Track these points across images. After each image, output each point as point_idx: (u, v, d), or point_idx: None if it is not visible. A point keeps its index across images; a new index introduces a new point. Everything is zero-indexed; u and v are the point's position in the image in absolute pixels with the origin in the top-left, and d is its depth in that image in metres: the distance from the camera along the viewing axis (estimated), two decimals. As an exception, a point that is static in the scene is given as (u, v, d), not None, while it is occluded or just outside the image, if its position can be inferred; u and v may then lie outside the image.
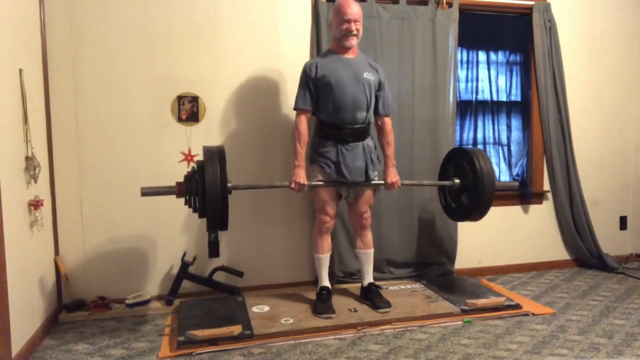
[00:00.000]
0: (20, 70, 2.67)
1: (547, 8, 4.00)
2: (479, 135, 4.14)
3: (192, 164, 3.40)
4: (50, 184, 3.15)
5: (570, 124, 4.10)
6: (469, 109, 4.11)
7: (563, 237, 4.24)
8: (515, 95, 4.21)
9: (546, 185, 4.18)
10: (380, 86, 3.13)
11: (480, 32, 4.06)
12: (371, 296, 3.18)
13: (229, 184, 2.67)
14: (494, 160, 4.17)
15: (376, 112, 3.15)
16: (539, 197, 4.17)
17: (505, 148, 4.21)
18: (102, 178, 3.30)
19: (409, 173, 3.71)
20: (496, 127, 4.17)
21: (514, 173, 4.24)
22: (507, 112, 4.20)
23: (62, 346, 2.73)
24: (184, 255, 3.33)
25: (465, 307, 3.10)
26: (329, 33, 3.52)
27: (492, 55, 4.13)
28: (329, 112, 3.02)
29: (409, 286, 3.58)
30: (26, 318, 2.64)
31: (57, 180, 3.21)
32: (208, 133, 3.45)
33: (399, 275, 3.81)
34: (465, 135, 4.11)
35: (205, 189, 2.57)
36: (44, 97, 3.11)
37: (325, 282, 3.20)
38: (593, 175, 4.26)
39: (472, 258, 4.02)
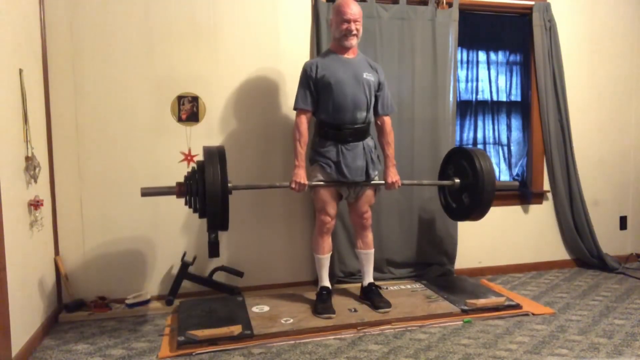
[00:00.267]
0: (20, 70, 2.67)
1: (547, 8, 4.00)
2: (479, 135, 4.14)
3: (193, 165, 3.41)
4: (50, 184, 3.15)
5: (570, 124, 4.10)
6: (469, 109, 4.11)
7: (563, 237, 4.24)
8: (515, 95, 4.21)
9: (546, 185, 4.18)
10: (380, 86, 3.12)
11: (480, 32, 4.06)
12: (371, 296, 3.18)
13: (229, 184, 2.66)
14: (494, 160, 4.18)
15: (376, 112, 3.15)
16: (539, 197, 4.17)
17: (505, 148, 4.21)
18: (102, 178, 3.30)
19: (409, 173, 3.71)
20: (496, 127, 4.18)
21: (514, 173, 4.24)
22: (507, 112, 4.20)
23: (62, 346, 2.73)
24: (184, 255, 3.33)
25: (465, 307, 3.10)
26: (329, 33, 3.51)
27: (492, 55, 4.14)
28: (329, 113, 3.02)
29: (409, 286, 3.58)
30: (26, 318, 2.64)
31: (57, 180, 3.21)
32: (208, 133, 3.45)
33: (399, 275, 3.81)
34: (465, 135, 4.11)
35: (206, 189, 2.57)
36: (44, 97, 3.11)
37: (326, 282, 3.20)
38: (593, 175, 4.26)
39: (472, 258, 4.03)
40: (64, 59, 3.20)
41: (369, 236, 3.23)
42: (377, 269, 3.53)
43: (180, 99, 3.40)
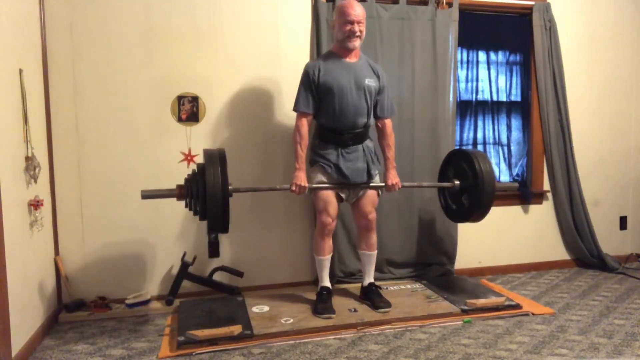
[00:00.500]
0: (20, 70, 2.67)
1: (547, 8, 4.00)
2: (479, 135, 4.14)
3: (193, 165, 3.41)
4: (50, 184, 3.15)
5: (570, 124, 4.10)
6: (469, 109, 4.11)
7: (563, 237, 4.24)
8: (515, 95, 4.21)
9: (546, 185, 4.18)
10: (381, 89, 3.12)
11: (480, 32, 4.06)
12: (371, 296, 3.18)
13: (229, 187, 2.66)
14: (493, 161, 4.18)
15: (377, 115, 3.14)
16: (539, 197, 4.17)
17: (505, 148, 4.21)
18: (102, 178, 3.30)
19: (409, 173, 3.71)
20: (496, 127, 4.18)
21: (514, 173, 4.24)
22: (507, 112, 4.20)
23: (62, 346, 2.73)
24: (184, 255, 3.33)
25: (465, 307, 3.10)
26: (329, 33, 3.52)
27: (492, 55, 4.13)
28: (330, 118, 3.03)
29: (409, 286, 3.58)
30: (26, 318, 2.64)
31: (57, 180, 3.21)
32: (208, 133, 3.45)
33: (399, 275, 3.81)
34: (465, 135, 4.11)
35: (206, 192, 2.57)
36: (44, 97, 3.11)
37: (326, 282, 3.20)
38: (593, 175, 4.26)
39: (472, 258, 4.03)
40: (64, 59, 3.20)
41: (373, 238, 3.22)
42: (377, 269, 3.52)
43: (180, 99, 3.40)
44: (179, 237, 3.45)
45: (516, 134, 4.23)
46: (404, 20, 3.69)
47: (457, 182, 3.21)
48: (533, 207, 4.17)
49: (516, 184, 3.64)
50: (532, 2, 4.00)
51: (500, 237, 4.09)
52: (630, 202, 4.42)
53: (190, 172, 3.39)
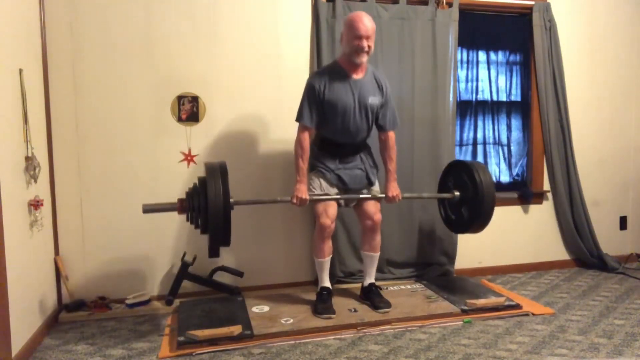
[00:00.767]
0: (20, 70, 2.67)
1: (547, 8, 4.00)
2: (479, 135, 4.14)
3: (193, 165, 3.41)
4: (50, 184, 3.15)
5: (570, 124, 4.10)
6: (469, 109, 4.10)
7: (563, 237, 4.24)
8: (515, 95, 4.21)
9: (546, 185, 4.18)
10: (384, 103, 3.08)
11: (480, 32, 4.06)
12: (371, 296, 3.18)
13: (231, 200, 2.67)
14: (493, 161, 4.18)
15: (380, 127, 3.13)
16: (539, 197, 4.17)
17: (505, 148, 4.21)
18: (102, 178, 3.30)
19: (408, 174, 3.71)
20: (496, 127, 4.18)
21: (514, 173, 4.24)
22: (507, 112, 4.20)
23: (62, 346, 2.73)
24: (184, 255, 3.33)
25: (465, 307, 3.10)
26: (329, 33, 3.52)
27: (492, 55, 4.13)
28: (331, 132, 3.05)
29: (409, 286, 3.58)
30: (26, 318, 2.64)
31: (57, 180, 3.21)
32: (208, 133, 3.45)
33: (398, 275, 3.81)
34: (465, 135, 4.11)
35: (208, 205, 2.58)
36: (44, 97, 3.11)
37: (326, 282, 3.20)
38: (593, 175, 4.26)
39: (472, 258, 4.03)
40: (64, 59, 3.20)
41: (377, 239, 3.21)
42: (377, 269, 3.52)
43: (180, 99, 3.40)
44: (179, 237, 3.45)
45: (516, 134, 4.23)
46: (404, 20, 3.69)
47: (457, 193, 3.24)
48: (533, 207, 4.17)
49: (515, 195, 3.64)
50: (532, 2, 4.00)
51: (500, 237, 4.09)
52: (630, 202, 4.42)
53: (189, 170, 3.43)
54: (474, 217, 3.15)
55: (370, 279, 3.26)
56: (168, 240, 3.43)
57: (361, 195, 3.12)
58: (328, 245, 3.14)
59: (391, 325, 2.92)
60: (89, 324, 3.06)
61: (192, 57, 3.41)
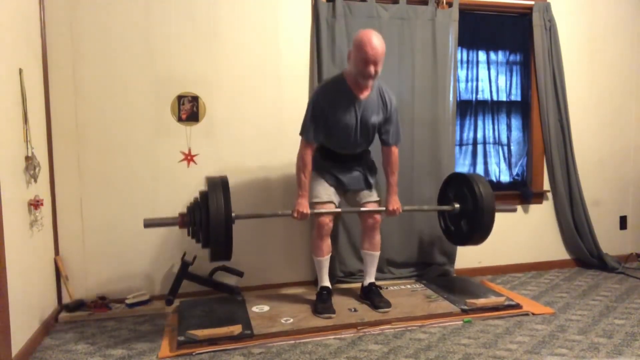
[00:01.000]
0: (20, 70, 2.67)
1: (547, 8, 4.00)
2: (479, 135, 4.13)
3: (193, 165, 3.41)
4: (50, 184, 3.15)
5: (570, 123, 4.10)
6: (469, 108, 4.10)
7: (563, 237, 4.24)
8: (515, 95, 4.21)
9: (546, 185, 4.18)
10: (388, 119, 3.05)
11: (480, 32, 4.06)
12: (371, 296, 3.18)
13: (232, 214, 2.70)
14: (493, 160, 4.18)
15: (384, 142, 3.12)
16: (539, 197, 4.17)
17: (505, 148, 4.21)
18: (102, 178, 3.30)
19: (408, 174, 3.71)
20: (496, 127, 4.17)
21: (514, 173, 4.24)
22: (507, 112, 4.20)
23: (62, 346, 2.73)
24: (184, 255, 3.33)
25: (465, 307, 3.10)
26: (329, 33, 3.53)
27: (492, 55, 4.13)
28: (332, 145, 3.07)
29: (409, 286, 3.58)
30: (26, 318, 2.64)
31: (57, 180, 3.21)
32: (208, 133, 3.45)
33: (398, 275, 3.81)
34: (465, 135, 4.11)
35: (209, 220, 2.60)
36: (44, 97, 3.11)
37: (326, 282, 3.21)
38: (593, 175, 4.26)
39: (472, 258, 4.02)
40: (64, 59, 3.20)
41: (377, 237, 3.22)
42: (377, 268, 3.52)
43: (180, 98, 3.40)
44: (179, 237, 3.45)
45: (516, 134, 4.23)
46: (404, 20, 3.69)
47: (457, 206, 3.27)
48: (533, 207, 4.17)
49: (515, 207, 3.63)
50: (532, 2, 4.00)
51: (500, 237, 4.07)
52: (630, 202, 4.42)
53: (189, 170, 3.43)
54: (474, 230, 3.19)
55: (370, 278, 3.26)
56: (168, 240, 3.43)
57: (362, 209, 3.14)
58: (327, 244, 3.14)
59: (391, 325, 2.92)
60: (89, 323, 3.06)
61: (192, 56, 3.41)
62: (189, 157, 3.43)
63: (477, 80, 4.10)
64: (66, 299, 3.24)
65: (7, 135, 2.50)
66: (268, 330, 2.80)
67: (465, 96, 4.09)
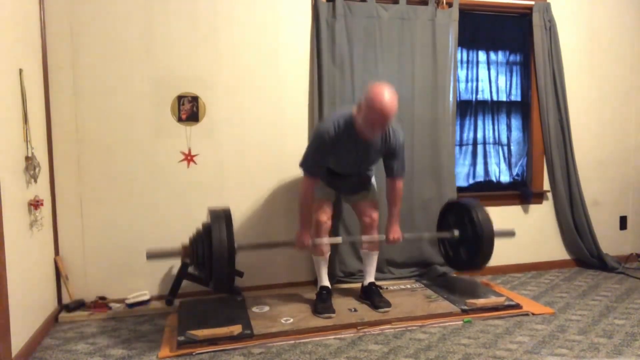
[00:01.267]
0: (20, 70, 2.67)
1: (547, 8, 4.00)
2: (479, 135, 4.13)
3: (193, 165, 3.41)
4: (50, 184, 3.15)
5: (570, 124, 4.10)
6: (469, 108, 4.10)
7: (563, 237, 4.24)
8: (515, 95, 4.20)
9: (546, 185, 4.17)
10: (395, 155, 2.97)
11: (480, 32, 4.06)
12: (371, 296, 3.18)
13: (235, 245, 2.74)
14: (493, 161, 4.18)
15: (388, 174, 3.08)
16: (539, 197, 4.17)
17: (505, 148, 4.21)
18: (102, 178, 3.30)
19: (409, 173, 3.70)
20: (496, 127, 4.17)
21: (514, 173, 4.24)
22: (507, 112, 4.20)
23: (62, 346, 2.73)
24: (184, 255, 3.33)
25: (465, 307, 3.10)
26: (329, 33, 3.53)
27: (492, 55, 4.13)
28: (333, 167, 3.06)
29: (409, 286, 3.58)
30: (26, 318, 2.63)
31: (57, 180, 3.21)
32: (208, 133, 3.45)
33: (398, 275, 3.81)
34: (465, 135, 4.11)
35: (212, 254, 2.63)
36: (44, 97, 3.11)
37: (325, 282, 3.21)
38: (593, 175, 4.26)
39: (472, 258, 4.02)
40: (64, 59, 3.20)
41: (375, 237, 3.22)
42: (377, 268, 3.52)
43: (180, 98, 3.40)
44: (178, 237, 3.44)
45: (516, 134, 4.23)
46: (404, 20, 3.69)
47: (456, 233, 3.31)
48: (533, 207, 4.17)
49: (513, 232, 3.60)
50: (532, 2, 4.00)
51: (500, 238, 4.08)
52: (630, 202, 4.42)
53: (189, 170, 3.43)
54: (474, 257, 3.24)
55: (370, 278, 3.26)
56: (168, 240, 3.42)
57: (362, 237, 3.20)
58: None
59: (391, 325, 2.92)
60: (89, 324, 3.06)
61: (192, 57, 3.41)
62: (189, 157, 3.43)
63: (477, 80, 4.10)
64: (66, 299, 3.24)
65: (7, 135, 2.50)
66: (268, 330, 2.80)
67: (465, 96, 4.08)
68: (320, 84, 3.55)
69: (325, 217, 3.08)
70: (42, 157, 2.96)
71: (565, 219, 4.15)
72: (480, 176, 4.17)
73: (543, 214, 4.19)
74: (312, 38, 3.61)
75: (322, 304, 3.07)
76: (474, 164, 4.14)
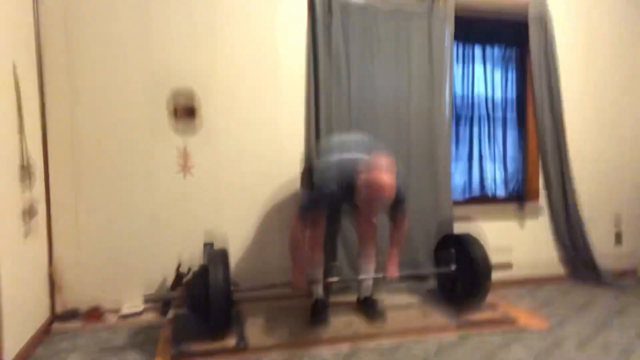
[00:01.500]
0: (15, 75, 2.65)
1: (543, 5, 4.02)
2: (476, 134, 4.14)
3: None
4: (45, 192, 3.14)
5: (567, 125, 4.09)
6: (466, 119, 4.11)
7: (558, 251, 4.23)
8: (510, 92, 4.20)
9: (542, 194, 4.18)
10: (398, 198, 2.80)
11: (476, 29, 4.05)
12: (367, 308, 3.17)
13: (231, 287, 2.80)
14: (489, 169, 4.19)
15: (392, 219, 3.07)
16: (535, 211, 4.17)
17: (502, 150, 4.22)
18: (98, 186, 3.29)
19: (406, 172, 3.70)
20: (492, 131, 4.17)
21: (509, 188, 4.24)
22: (502, 115, 4.19)
23: (55, 356, 2.71)
24: (179, 266, 3.31)
25: (461, 322, 3.09)
26: (325, 32, 3.55)
27: (488, 51, 4.14)
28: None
29: (404, 299, 3.57)
30: (19, 327, 2.61)
31: (53, 188, 3.20)
32: (206, 133, 3.45)
33: (394, 288, 3.78)
34: (462, 135, 4.12)
35: (209, 296, 2.66)
36: (39, 104, 3.10)
37: (320, 294, 3.19)
38: (590, 191, 4.24)
39: (468, 271, 4.01)
40: (59, 63, 3.19)
41: (372, 249, 3.22)
42: (373, 281, 3.52)
43: (176, 98, 3.39)
44: (174, 247, 3.43)
45: (512, 145, 4.23)
46: (399, 15, 3.71)
47: (453, 268, 3.33)
48: (528, 221, 4.17)
49: (511, 265, 3.63)
50: (529, 0, 3.99)
51: (496, 251, 4.07)
52: (626, 217, 4.42)
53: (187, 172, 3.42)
54: (472, 294, 3.25)
55: (366, 291, 3.25)
56: (163, 251, 3.41)
57: (360, 277, 3.20)
58: (318, 255, 3.14)
59: (386, 338, 2.90)
60: (83, 334, 3.03)
61: (190, 55, 3.41)
62: (185, 162, 3.42)
63: (472, 76, 4.10)
64: (60, 309, 3.21)
65: (3, 142, 2.50)
66: (263, 343, 2.78)
67: (460, 91, 4.08)
68: (316, 79, 3.57)
69: (318, 228, 3.04)
70: (37, 165, 2.96)
71: (560, 233, 4.14)
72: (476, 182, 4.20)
73: (538, 227, 4.17)
74: (308, 34, 3.61)
75: (317, 316, 3.06)
76: (469, 166, 4.15)
